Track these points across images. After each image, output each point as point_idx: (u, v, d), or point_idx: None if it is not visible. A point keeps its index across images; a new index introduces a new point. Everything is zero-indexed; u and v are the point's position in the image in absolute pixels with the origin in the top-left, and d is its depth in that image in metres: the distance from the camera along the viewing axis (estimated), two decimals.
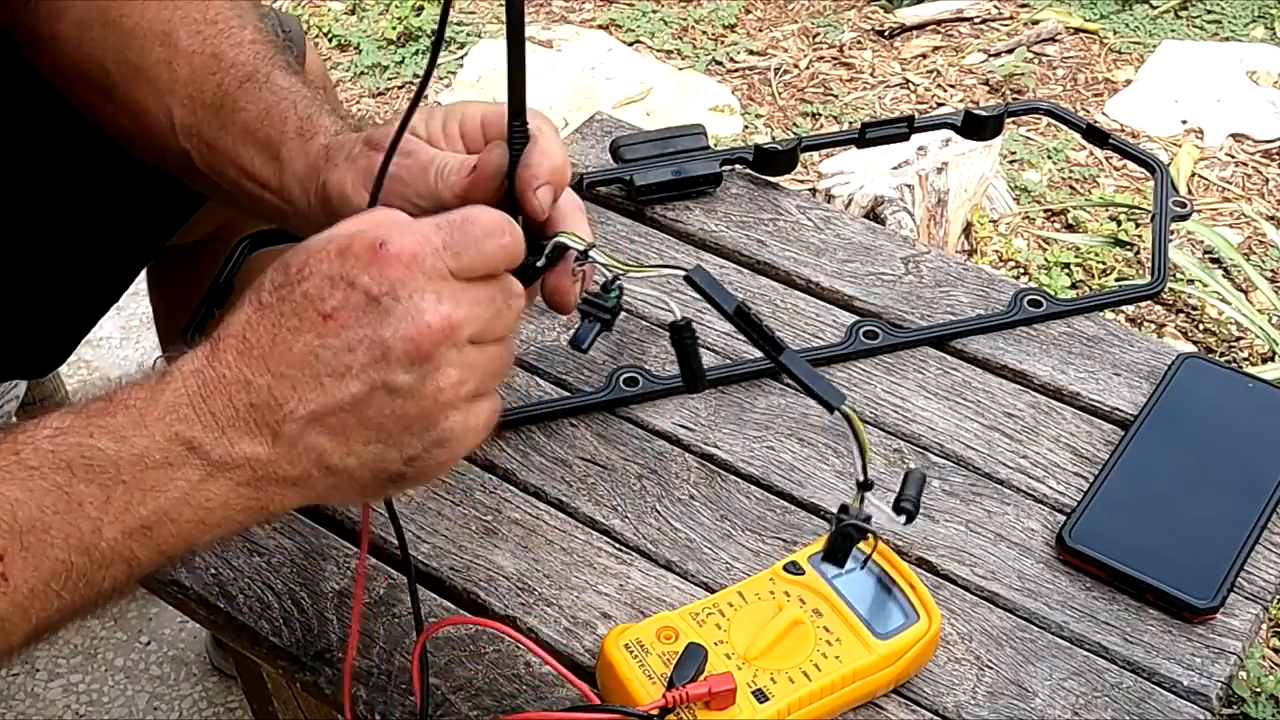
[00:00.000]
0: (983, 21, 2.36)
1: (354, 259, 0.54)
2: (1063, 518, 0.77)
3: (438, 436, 0.57)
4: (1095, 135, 1.01)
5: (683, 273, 0.63)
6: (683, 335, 0.65)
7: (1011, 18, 2.36)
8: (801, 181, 1.88)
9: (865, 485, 0.62)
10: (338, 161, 0.67)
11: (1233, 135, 2.10)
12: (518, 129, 0.62)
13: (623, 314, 0.89)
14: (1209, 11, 2.35)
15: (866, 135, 0.99)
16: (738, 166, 1.00)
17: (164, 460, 0.54)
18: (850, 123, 2.11)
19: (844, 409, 0.61)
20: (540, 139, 0.63)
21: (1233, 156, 2.07)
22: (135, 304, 1.78)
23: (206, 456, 0.54)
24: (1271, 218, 1.96)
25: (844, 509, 0.63)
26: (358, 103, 2.20)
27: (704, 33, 2.35)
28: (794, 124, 2.14)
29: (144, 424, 0.54)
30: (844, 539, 0.63)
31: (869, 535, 0.63)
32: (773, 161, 0.99)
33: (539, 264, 0.64)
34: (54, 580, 0.53)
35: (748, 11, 2.41)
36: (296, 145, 0.70)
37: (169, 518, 0.54)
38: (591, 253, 0.63)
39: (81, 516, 0.53)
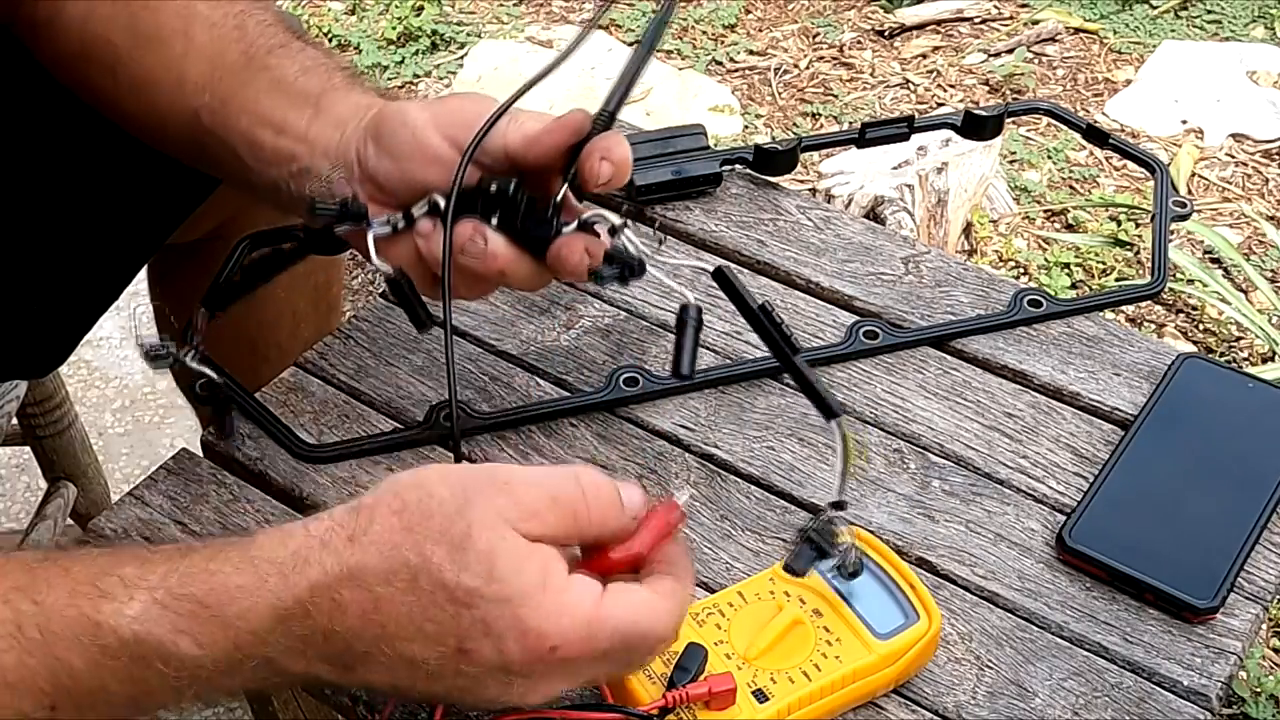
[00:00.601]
0: (983, 21, 2.36)
1: (520, 636, 0.53)
2: (1063, 518, 0.77)
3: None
4: (1095, 135, 1.01)
5: (709, 269, 0.64)
6: (687, 319, 0.65)
7: (1011, 18, 2.36)
8: (801, 181, 1.88)
9: (839, 505, 0.63)
10: (400, 101, 0.70)
11: (1233, 135, 2.10)
12: (608, 115, 0.65)
13: (623, 314, 0.90)
14: (1209, 11, 2.35)
15: (866, 135, 0.99)
16: (738, 166, 1.00)
17: (238, 666, 0.54)
18: (850, 123, 2.11)
19: (841, 422, 0.61)
20: (619, 134, 0.67)
21: (1233, 156, 2.07)
22: (135, 304, 1.78)
23: (281, 672, 0.55)
24: (1271, 218, 1.96)
25: (817, 515, 0.64)
26: None
27: (704, 33, 2.35)
28: (794, 124, 2.14)
29: (234, 642, 0.54)
30: (810, 546, 0.63)
31: (831, 552, 0.63)
32: (773, 161, 0.99)
33: (569, 229, 0.67)
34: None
35: (748, 11, 2.41)
36: (343, 94, 0.72)
37: (226, 694, 0.56)
38: (622, 234, 0.65)
39: (141, 690, 0.54)
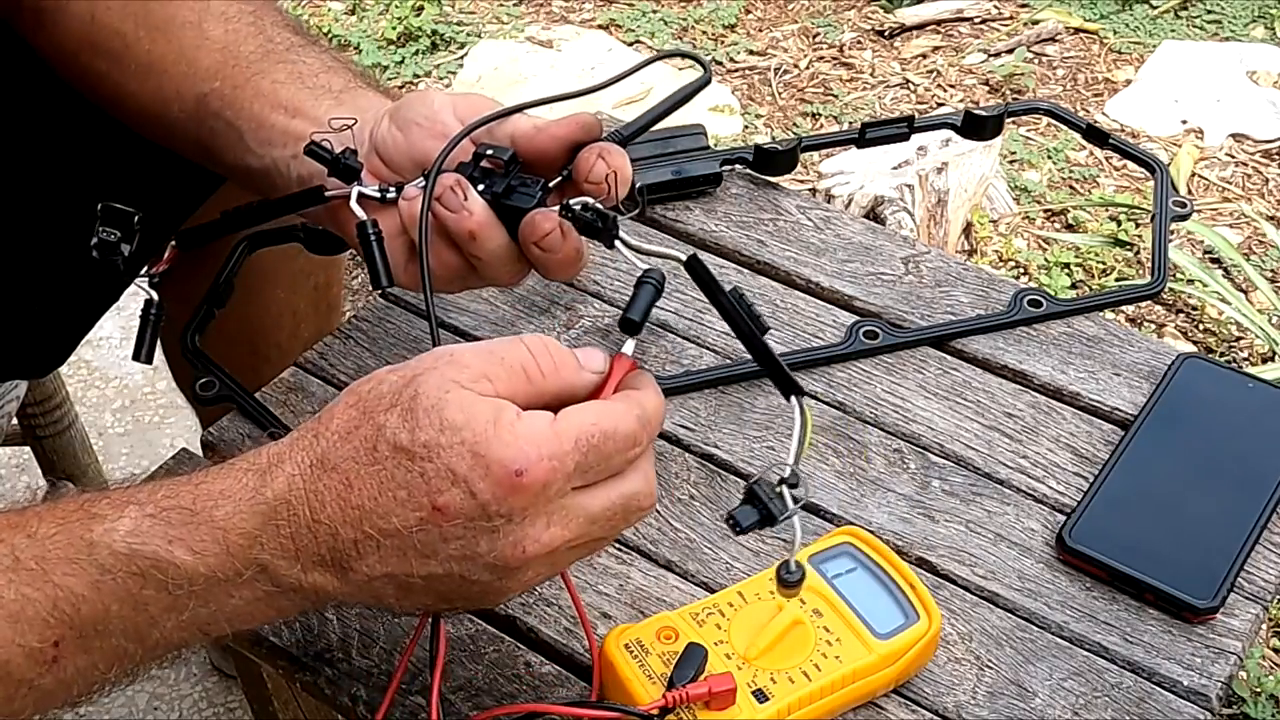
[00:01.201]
0: (983, 21, 2.36)
1: (486, 473, 0.53)
2: (1063, 518, 0.77)
3: (494, 601, 0.59)
4: (1095, 135, 1.01)
5: (683, 258, 0.63)
6: (648, 278, 0.63)
7: (1011, 18, 2.36)
8: (801, 181, 1.88)
9: (790, 481, 0.60)
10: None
11: (1233, 135, 2.10)
12: (621, 135, 0.66)
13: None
14: (1209, 11, 2.35)
15: (866, 135, 0.99)
16: (738, 166, 1.00)
17: (237, 577, 0.55)
18: (850, 123, 2.11)
19: (803, 400, 0.60)
20: (624, 151, 0.67)
21: (1233, 156, 2.07)
22: (135, 304, 1.79)
23: (277, 579, 0.55)
24: (1271, 218, 1.96)
25: (758, 481, 0.61)
26: None
27: (704, 33, 2.35)
28: (794, 124, 2.14)
29: (225, 544, 0.54)
30: (752, 507, 0.60)
31: (773, 522, 0.60)
32: (773, 161, 0.99)
33: (559, 211, 0.66)
34: (103, 663, 0.55)
35: (748, 11, 2.41)
36: (365, 93, 0.73)
37: (227, 619, 0.56)
38: (620, 239, 0.65)
39: (144, 615, 0.55)
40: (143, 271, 0.75)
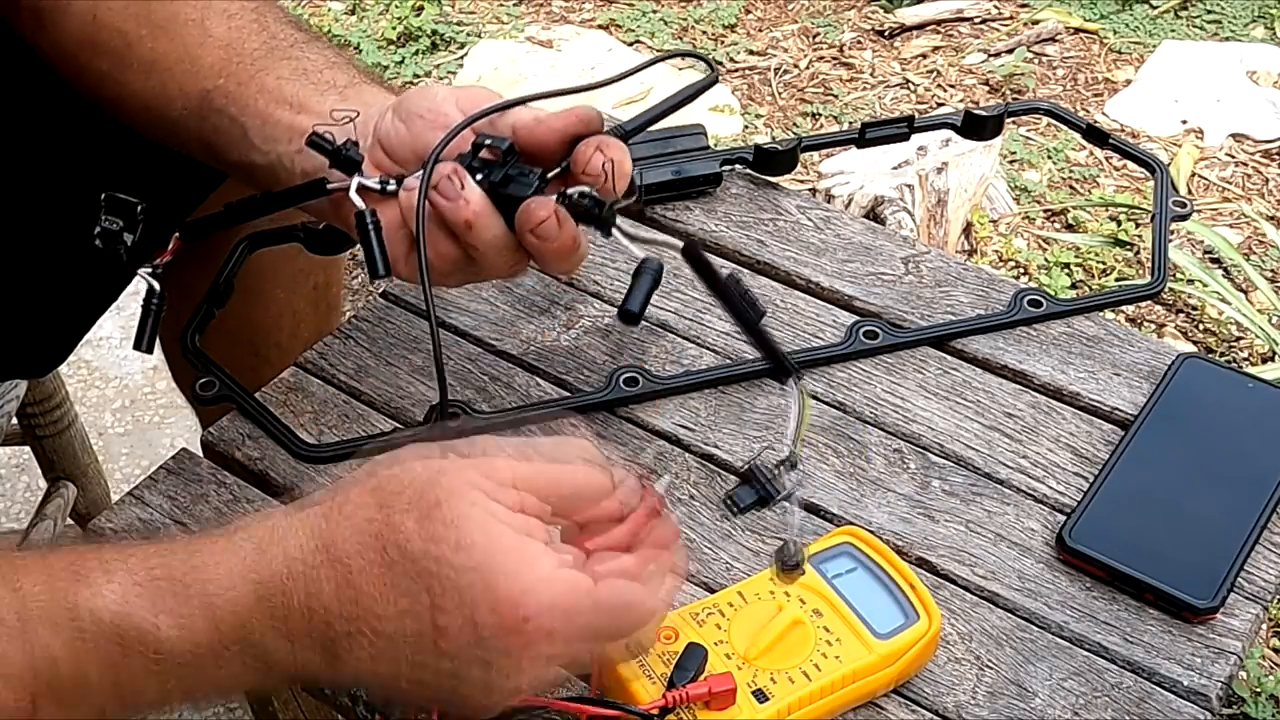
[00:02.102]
0: (983, 21, 2.36)
1: (491, 607, 0.52)
2: (1063, 518, 0.77)
3: (485, 711, 0.57)
4: (1095, 135, 1.01)
5: (680, 245, 0.63)
6: (646, 267, 0.63)
7: (1011, 18, 2.36)
8: (801, 181, 1.88)
9: (790, 462, 0.60)
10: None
11: (1233, 135, 2.10)
12: (623, 130, 0.66)
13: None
14: (1209, 11, 2.35)
15: (866, 135, 0.99)
16: (738, 166, 1.00)
17: (224, 653, 0.53)
18: (850, 123, 2.11)
19: (800, 384, 0.60)
20: (624, 145, 0.67)
21: (1233, 156, 2.07)
22: (135, 304, 1.78)
23: (265, 658, 0.54)
24: (1271, 218, 1.96)
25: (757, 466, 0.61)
26: None
27: (704, 33, 2.35)
28: (794, 124, 2.14)
29: (213, 620, 0.53)
30: (754, 490, 0.60)
31: (770, 503, 0.60)
32: (773, 161, 0.99)
33: (556, 198, 0.66)
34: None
35: (748, 11, 2.41)
36: (369, 88, 0.73)
37: (212, 688, 0.55)
38: (618, 225, 0.65)
39: (124, 682, 0.53)
40: (146, 263, 0.74)
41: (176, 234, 0.76)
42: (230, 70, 0.74)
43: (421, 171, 0.68)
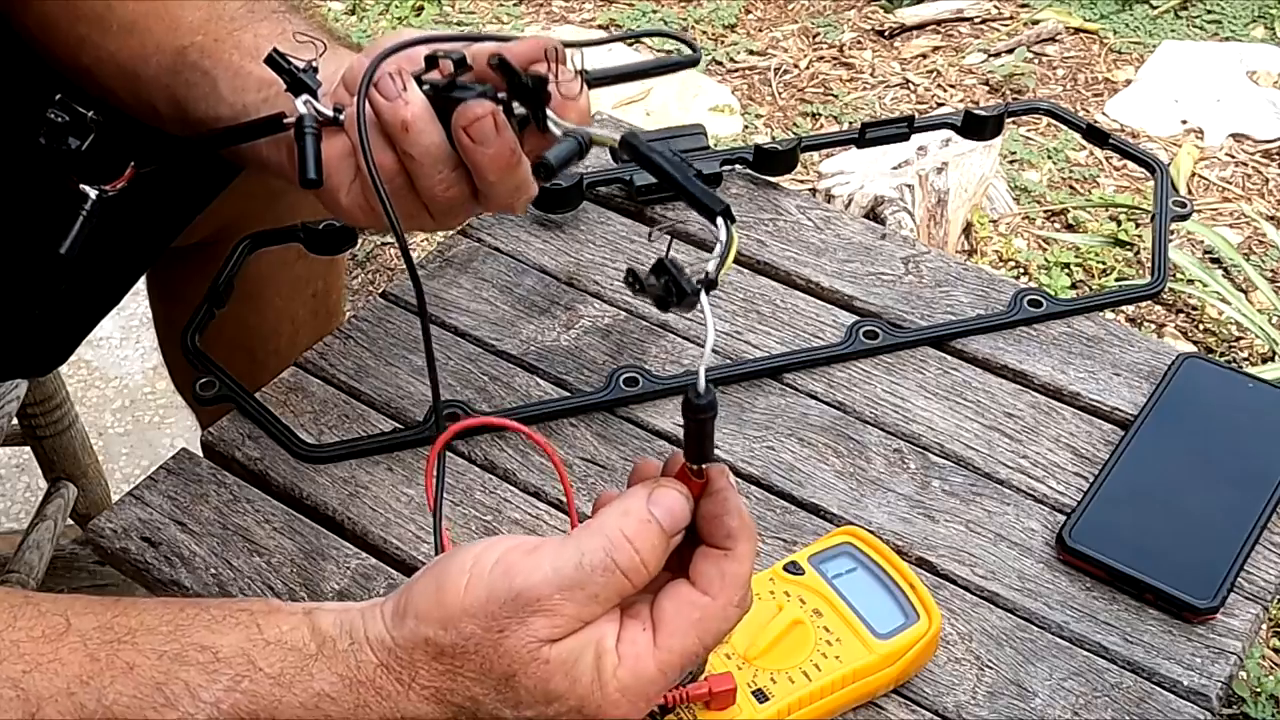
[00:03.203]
0: (983, 21, 2.36)
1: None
2: (1063, 518, 0.77)
3: None
4: (1095, 135, 1.02)
5: (616, 139, 0.59)
6: (702, 413, 0.55)
7: (1011, 18, 2.36)
8: (801, 181, 1.88)
9: (710, 284, 0.56)
10: None
11: (1233, 135, 2.10)
12: (589, 78, 0.63)
13: (623, 314, 0.89)
14: (1209, 11, 2.35)
15: (866, 135, 0.99)
16: (738, 166, 1.00)
17: None
18: (850, 123, 2.11)
19: (728, 221, 0.55)
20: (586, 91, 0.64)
21: (1233, 156, 2.07)
22: (135, 304, 1.78)
23: None
24: (1271, 218, 1.96)
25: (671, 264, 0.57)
26: None
27: (704, 33, 2.35)
28: (794, 124, 2.14)
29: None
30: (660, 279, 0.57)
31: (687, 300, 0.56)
32: (773, 161, 0.99)
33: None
34: None
35: (748, 11, 2.41)
36: (345, 51, 0.71)
37: None
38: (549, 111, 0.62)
39: None
40: (100, 187, 0.72)
41: (132, 163, 0.72)
42: (208, 28, 0.73)
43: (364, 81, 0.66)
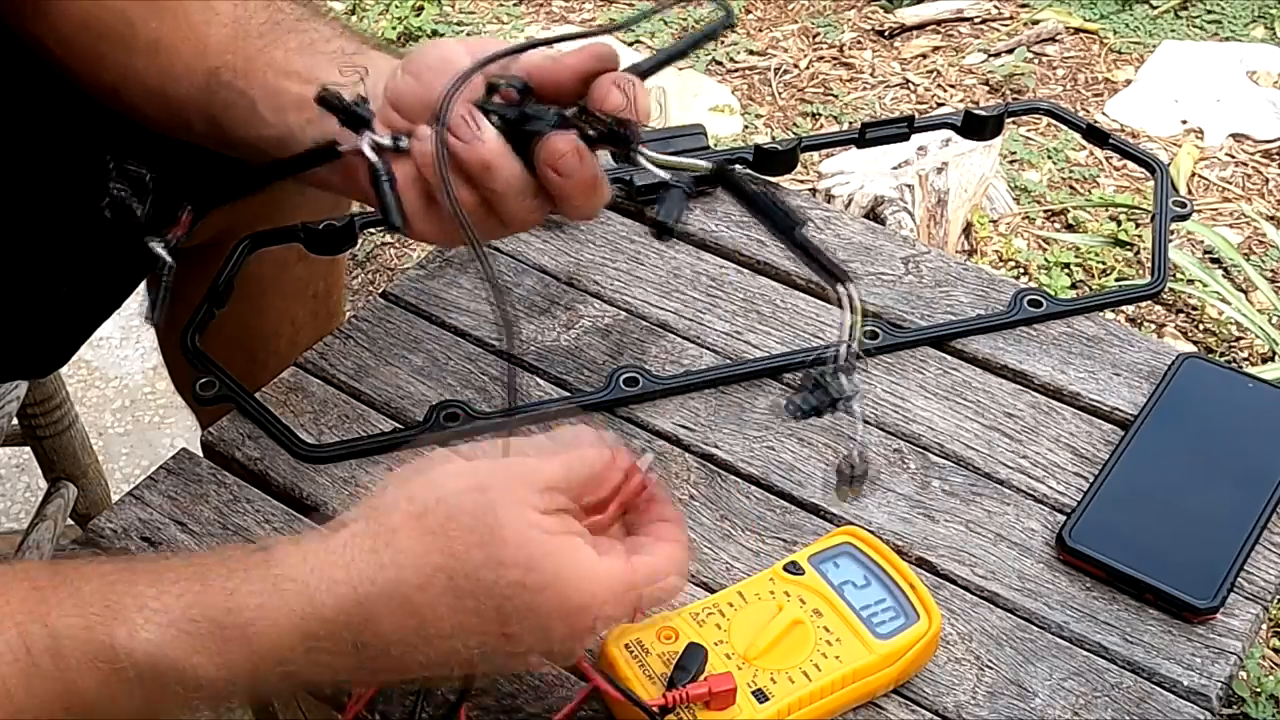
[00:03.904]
0: (983, 21, 2.36)
1: (564, 618, 0.54)
2: (1063, 518, 0.77)
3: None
4: (1095, 135, 1.01)
5: (709, 167, 0.62)
6: (679, 185, 0.63)
7: (1011, 18, 2.36)
8: (801, 181, 1.88)
9: (848, 366, 0.60)
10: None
11: (1233, 135, 2.10)
12: (644, 69, 0.63)
13: (623, 314, 0.89)
14: (1209, 11, 2.35)
15: (866, 135, 0.99)
16: (738, 166, 1.00)
17: (259, 683, 0.54)
18: (850, 123, 2.11)
19: (849, 287, 0.59)
20: (642, 84, 0.64)
21: (1233, 156, 2.07)
22: (135, 304, 1.78)
23: (305, 682, 0.55)
24: (1271, 218, 1.96)
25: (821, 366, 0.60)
26: None
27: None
28: (794, 124, 2.14)
29: (253, 661, 0.53)
30: (813, 394, 0.59)
31: (833, 406, 0.60)
32: (773, 161, 0.99)
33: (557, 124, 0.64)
34: None
35: (748, 11, 2.41)
36: (377, 55, 0.71)
37: (240, 704, 0.59)
38: (642, 148, 0.63)
39: (156, 710, 0.54)
40: (159, 236, 0.72)
41: (188, 206, 0.73)
42: (237, 47, 0.72)
43: (435, 120, 0.65)
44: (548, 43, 0.67)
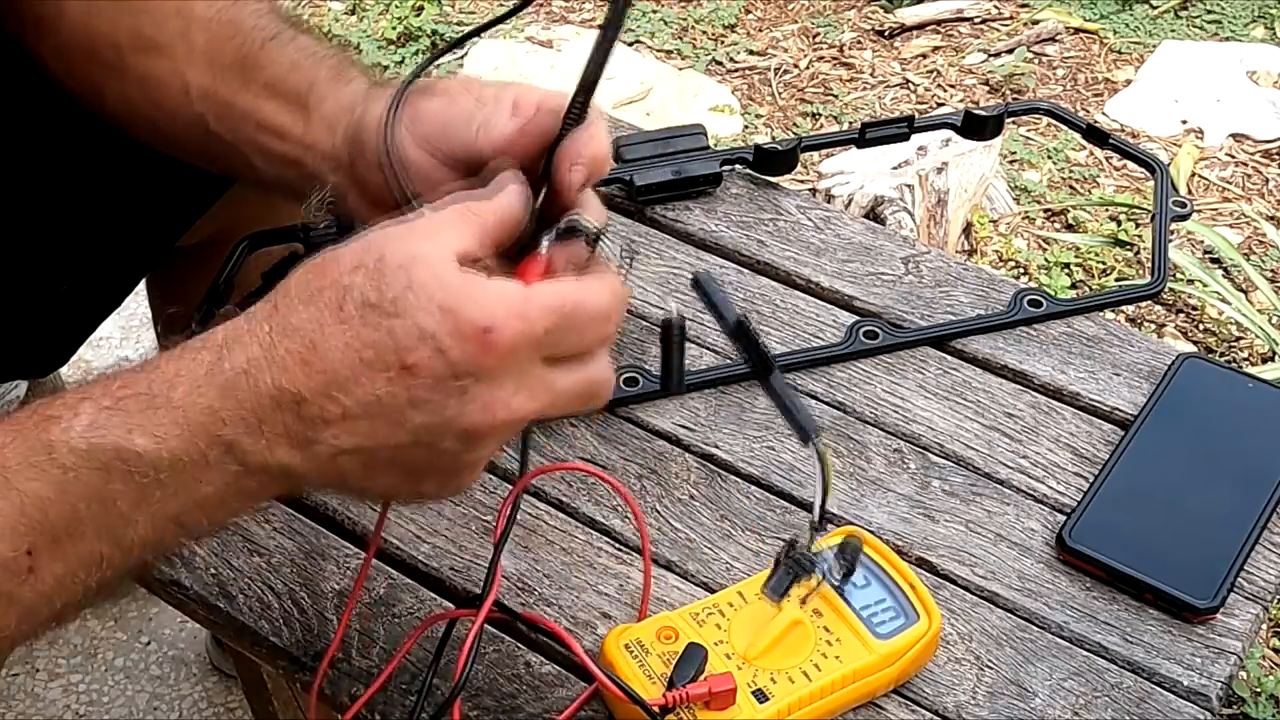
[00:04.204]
0: (983, 21, 2.36)
1: (454, 330, 0.52)
2: (1063, 518, 0.77)
3: (458, 482, 0.58)
4: (1095, 135, 1.01)
5: (691, 276, 0.63)
6: (671, 334, 0.64)
7: (1011, 18, 2.36)
8: (801, 181, 1.88)
9: (818, 525, 0.62)
10: (379, 100, 0.67)
11: (1233, 135, 2.10)
12: (579, 105, 0.62)
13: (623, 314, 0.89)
14: (1209, 11, 2.35)
15: (866, 135, 0.99)
16: (738, 166, 1.00)
17: (202, 460, 0.53)
18: (850, 123, 2.11)
19: (818, 444, 0.60)
20: (594, 125, 0.62)
21: (1233, 156, 2.07)
22: (135, 304, 1.78)
23: (243, 458, 0.54)
24: (1271, 218, 1.96)
25: (793, 543, 0.63)
26: None
27: (704, 33, 2.35)
28: (794, 124, 2.14)
29: (185, 425, 0.53)
30: (786, 572, 0.63)
31: (811, 574, 0.63)
32: (773, 161, 0.99)
33: (548, 240, 0.62)
34: (81, 569, 0.54)
35: (748, 11, 2.41)
36: (329, 88, 0.70)
37: (200, 509, 0.55)
38: (602, 240, 0.63)
39: (114, 512, 0.53)
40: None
41: (224, 312, 0.75)
42: (216, 91, 0.73)
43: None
44: (459, 43, 0.68)
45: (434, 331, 0.52)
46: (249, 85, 0.72)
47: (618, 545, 0.76)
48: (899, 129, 1.00)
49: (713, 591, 0.72)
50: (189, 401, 0.53)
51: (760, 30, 2.37)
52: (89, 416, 0.53)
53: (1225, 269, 1.86)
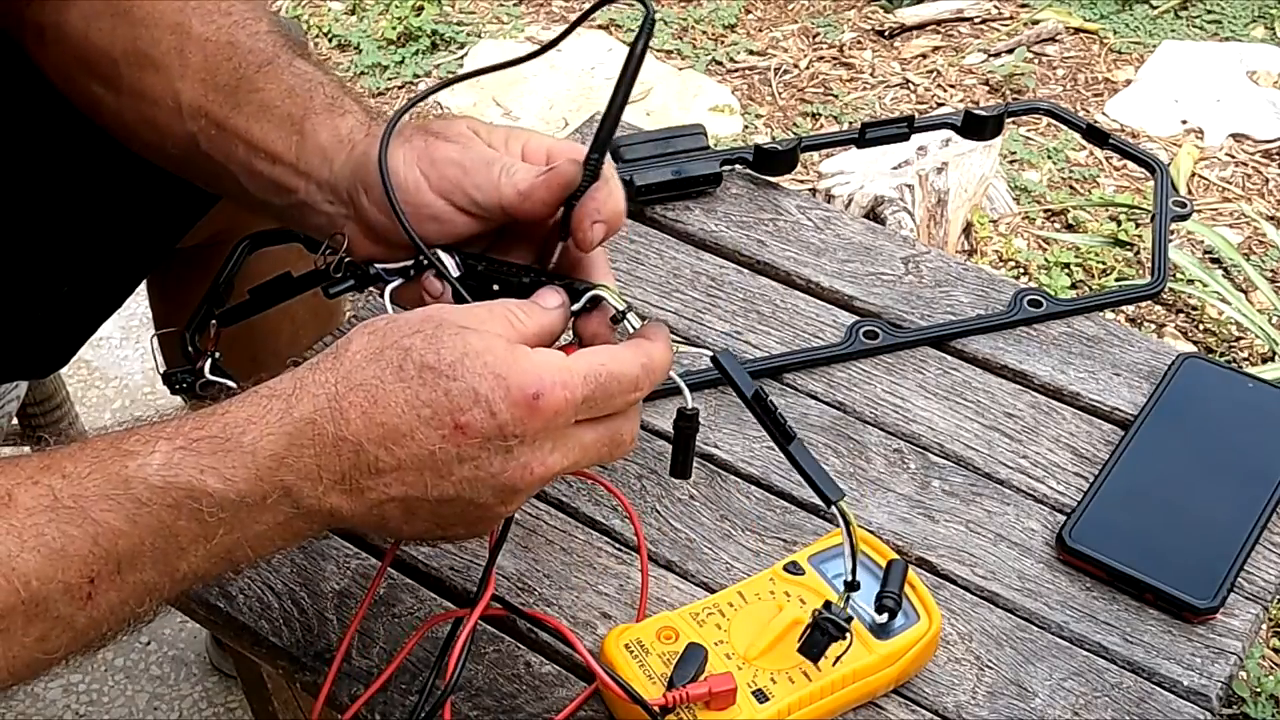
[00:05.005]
0: (983, 21, 2.36)
1: (505, 393, 0.57)
2: (1063, 518, 0.77)
3: (482, 529, 0.63)
4: (1095, 135, 1.02)
5: (709, 354, 0.65)
6: (688, 424, 0.67)
7: (1011, 18, 2.36)
8: (801, 181, 1.88)
9: (852, 586, 0.64)
10: (378, 135, 0.68)
11: (1233, 135, 2.10)
12: (595, 161, 0.64)
13: None
14: (1209, 11, 2.35)
15: (866, 135, 0.99)
16: (738, 166, 1.00)
17: (262, 502, 0.57)
18: (850, 123, 2.11)
19: (841, 506, 0.62)
20: (611, 181, 0.66)
21: (1233, 156, 2.07)
22: (135, 304, 1.78)
23: (299, 501, 0.57)
24: (1271, 218, 1.96)
25: (827, 605, 0.65)
26: None
27: (704, 33, 2.35)
28: (794, 124, 2.14)
29: (254, 468, 0.56)
30: (821, 634, 0.64)
31: (846, 635, 0.64)
32: (773, 161, 0.99)
33: (574, 309, 0.65)
34: (133, 598, 0.57)
35: (748, 11, 2.41)
36: (324, 119, 0.71)
37: (250, 545, 0.58)
38: (628, 316, 0.64)
39: (174, 546, 0.56)
40: (200, 363, 0.75)
41: (214, 323, 0.77)
42: (209, 110, 0.73)
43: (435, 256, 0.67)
44: (464, 78, 0.69)
45: (487, 395, 0.56)
46: (241, 107, 0.72)
47: (617, 545, 0.76)
48: (899, 129, 1.00)
49: (713, 591, 0.72)
50: (258, 446, 0.56)
51: (760, 30, 2.37)
52: (164, 455, 0.56)
53: (1225, 269, 1.86)
